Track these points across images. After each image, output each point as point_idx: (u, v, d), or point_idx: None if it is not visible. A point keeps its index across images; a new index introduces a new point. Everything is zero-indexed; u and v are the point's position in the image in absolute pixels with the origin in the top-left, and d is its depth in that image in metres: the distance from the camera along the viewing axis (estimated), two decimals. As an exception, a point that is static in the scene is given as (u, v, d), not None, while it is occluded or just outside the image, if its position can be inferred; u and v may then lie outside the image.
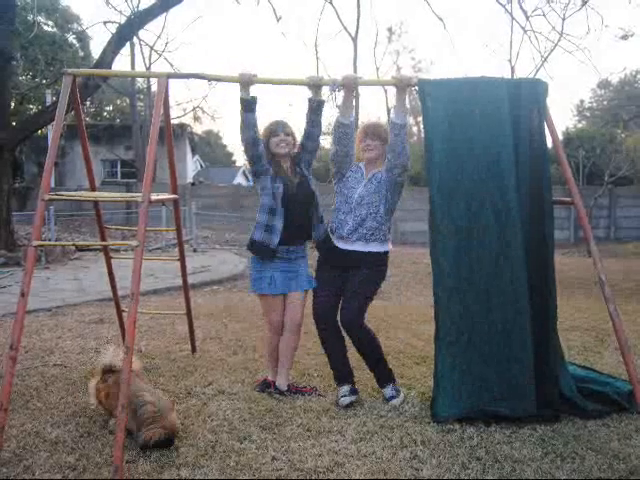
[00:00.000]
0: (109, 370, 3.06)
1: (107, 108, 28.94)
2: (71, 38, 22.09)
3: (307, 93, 3.34)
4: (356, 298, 3.34)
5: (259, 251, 3.38)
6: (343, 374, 3.44)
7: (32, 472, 2.49)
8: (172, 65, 14.89)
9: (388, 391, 3.41)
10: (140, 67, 20.44)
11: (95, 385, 3.08)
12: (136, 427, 2.72)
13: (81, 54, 21.85)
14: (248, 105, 3.23)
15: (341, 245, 3.41)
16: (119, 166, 23.96)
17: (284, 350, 3.51)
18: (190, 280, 4.51)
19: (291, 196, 3.35)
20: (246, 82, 3.18)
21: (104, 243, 4.16)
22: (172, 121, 3.87)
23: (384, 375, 3.47)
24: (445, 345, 3.10)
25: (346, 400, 3.29)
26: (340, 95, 3.34)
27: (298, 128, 3.75)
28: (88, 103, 22.49)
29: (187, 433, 2.87)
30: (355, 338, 3.38)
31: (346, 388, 3.36)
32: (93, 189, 3.80)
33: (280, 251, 3.37)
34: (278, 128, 3.39)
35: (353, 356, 3.49)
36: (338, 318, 3.39)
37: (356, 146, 3.51)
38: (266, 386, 3.52)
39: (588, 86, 43.25)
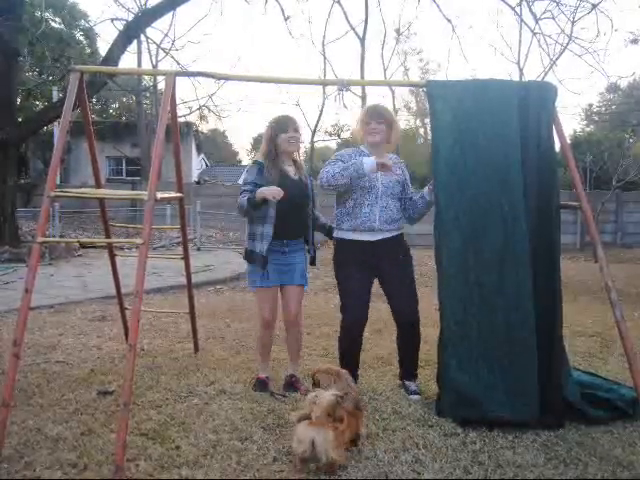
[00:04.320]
0: (340, 400, 2.49)
1: (113, 105, 28.95)
2: (78, 35, 22.13)
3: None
4: (407, 286, 3.37)
5: (255, 260, 3.37)
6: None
7: (33, 469, 2.48)
8: (179, 63, 14.92)
9: (413, 386, 3.45)
10: (147, 65, 20.45)
11: (333, 429, 2.40)
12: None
13: (88, 51, 21.83)
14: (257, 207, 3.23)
15: (368, 237, 3.35)
16: (124, 164, 23.99)
17: (292, 345, 3.62)
18: (193, 279, 4.49)
19: (288, 197, 3.22)
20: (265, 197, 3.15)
21: (109, 240, 4.14)
22: (178, 119, 3.87)
23: (414, 369, 3.51)
24: (449, 348, 3.08)
25: None
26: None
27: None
28: (94, 100, 22.51)
29: (188, 432, 2.86)
30: (410, 329, 3.39)
31: None
32: (99, 186, 3.78)
33: (274, 245, 3.34)
34: (288, 124, 3.38)
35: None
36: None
37: (358, 129, 3.50)
38: (263, 384, 3.52)
39: (596, 90, 43.09)
